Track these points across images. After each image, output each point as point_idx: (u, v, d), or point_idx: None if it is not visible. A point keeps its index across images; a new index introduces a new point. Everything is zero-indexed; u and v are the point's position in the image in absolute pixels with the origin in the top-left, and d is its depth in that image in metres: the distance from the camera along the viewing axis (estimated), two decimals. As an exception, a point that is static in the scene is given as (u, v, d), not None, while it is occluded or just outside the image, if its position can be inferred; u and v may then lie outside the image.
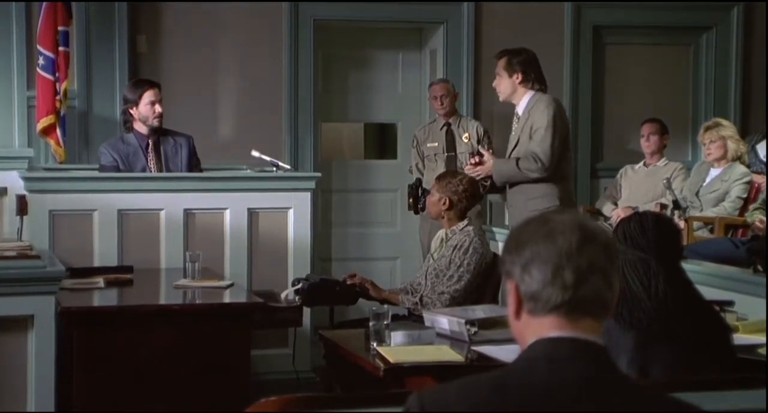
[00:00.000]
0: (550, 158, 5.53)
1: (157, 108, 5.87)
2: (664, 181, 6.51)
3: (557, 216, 1.86)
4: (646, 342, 3.05)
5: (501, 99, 5.77)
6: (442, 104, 7.15)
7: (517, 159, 5.59)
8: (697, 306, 3.20)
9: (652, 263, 3.15)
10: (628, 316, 3.06)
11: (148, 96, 5.87)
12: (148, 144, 5.92)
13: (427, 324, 4.29)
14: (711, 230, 6.40)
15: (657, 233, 3.21)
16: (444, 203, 5.08)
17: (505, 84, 5.67)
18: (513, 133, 5.75)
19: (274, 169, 6.03)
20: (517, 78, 5.63)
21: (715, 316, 3.27)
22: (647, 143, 6.99)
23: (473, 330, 4.05)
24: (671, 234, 3.27)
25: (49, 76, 6.56)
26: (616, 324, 3.05)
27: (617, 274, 1.84)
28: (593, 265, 1.80)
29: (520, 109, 5.69)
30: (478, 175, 5.61)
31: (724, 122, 6.83)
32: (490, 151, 6.00)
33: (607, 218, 6.73)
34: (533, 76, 5.66)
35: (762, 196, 6.35)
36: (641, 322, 3.06)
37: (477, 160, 5.74)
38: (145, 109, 5.86)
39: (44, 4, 6.57)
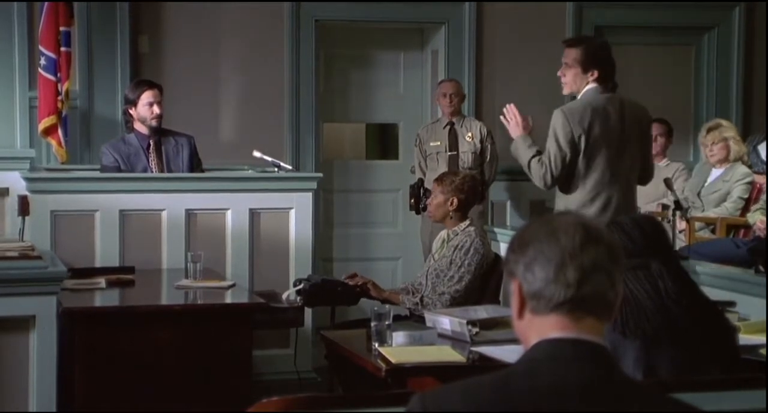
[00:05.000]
0: None
1: (155, 109, 5.85)
2: (666, 181, 6.50)
3: (561, 217, 1.87)
4: (652, 349, 3.04)
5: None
6: (451, 102, 7.14)
7: None
8: (703, 306, 3.19)
9: (652, 265, 3.13)
10: (633, 326, 3.04)
11: (146, 97, 5.86)
12: (149, 144, 5.91)
13: (428, 324, 4.29)
14: (713, 231, 6.39)
15: (642, 234, 3.19)
16: (452, 204, 5.06)
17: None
18: None
19: (276, 169, 6.03)
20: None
21: (720, 316, 3.26)
22: (654, 143, 6.93)
23: (475, 330, 4.05)
24: (655, 230, 3.25)
25: (51, 77, 6.56)
26: (620, 334, 3.04)
27: (621, 276, 1.84)
28: (596, 264, 1.81)
29: None
30: None
31: (725, 122, 6.81)
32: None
33: None
34: None
35: (763, 197, 6.34)
36: (646, 332, 3.04)
37: None
38: (143, 109, 5.85)
39: (46, 4, 6.57)
